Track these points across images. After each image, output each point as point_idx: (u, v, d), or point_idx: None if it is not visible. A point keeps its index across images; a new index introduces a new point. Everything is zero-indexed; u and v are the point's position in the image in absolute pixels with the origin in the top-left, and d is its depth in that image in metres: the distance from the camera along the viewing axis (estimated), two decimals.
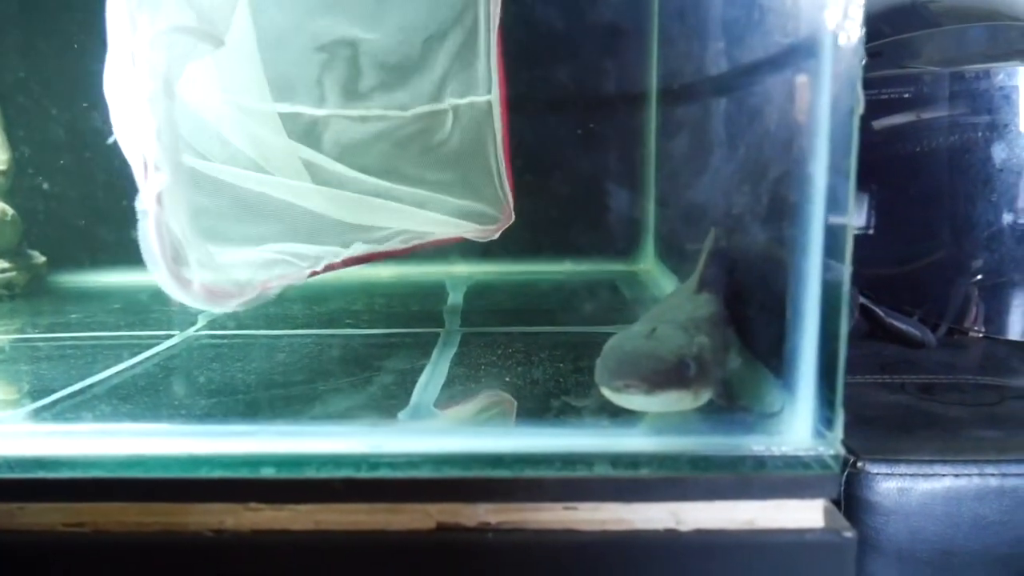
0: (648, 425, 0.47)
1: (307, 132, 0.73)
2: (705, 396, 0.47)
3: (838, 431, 0.44)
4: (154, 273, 0.49)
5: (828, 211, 0.42)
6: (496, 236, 0.82)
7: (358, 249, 0.68)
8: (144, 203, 0.47)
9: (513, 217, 0.83)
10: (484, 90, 0.81)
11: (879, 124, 0.84)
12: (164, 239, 0.48)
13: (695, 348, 0.47)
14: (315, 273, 0.64)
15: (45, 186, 0.95)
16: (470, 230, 0.79)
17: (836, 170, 0.41)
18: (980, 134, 0.80)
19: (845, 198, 0.42)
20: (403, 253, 0.73)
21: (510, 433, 0.48)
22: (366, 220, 0.72)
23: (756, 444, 0.44)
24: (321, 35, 0.74)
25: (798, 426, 0.45)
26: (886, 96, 0.82)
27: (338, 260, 0.66)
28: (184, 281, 0.50)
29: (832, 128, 0.41)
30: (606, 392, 0.46)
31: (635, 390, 0.45)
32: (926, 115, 0.82)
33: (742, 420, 0.47)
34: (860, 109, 0.40)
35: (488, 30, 0.79)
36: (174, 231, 0.49)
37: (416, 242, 0.74)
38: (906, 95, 0.82)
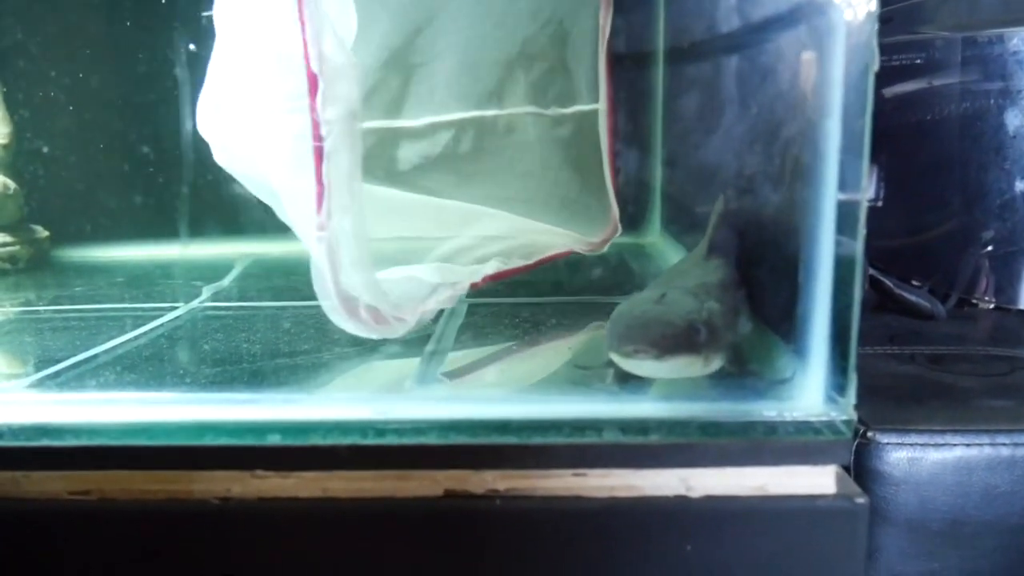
0: (658, 391, 0.47)
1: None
2: (716, 362, 0.47)
3: (851, 396, 0.43)
4: (323, 300, 0.49)
5: (841, 173, 0.42)
6: (604, 249, 0.81)
7: (493, 267, 0.67)
8: (318, 231, 0.47)
9: (620, 229, 0.82)
10: (588, 99, 0.79)
11: (890, 92, 0.83)
12: (336, 266, 0.47)
13: (705, 313, 0.46)
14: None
15: (46, 158, 0.95)
16: (580, 242, 0.78)
17: (850, 131, 0.41)
18: (993, 101, 0.79)
19: (859, 160, 0.41)
20: (528, 269, 0.72)
21: (518, 399, 0.48)
22: (491, 231, 0.72)
23: (767, 410, 0.44)
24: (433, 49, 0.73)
25: (810, 391, 0.44)
26: (897, 63, 0.81)
27: (479, 279, 0.65)
28: (353, 309, 0.50)
29: (846, 87, 0.40)
30: (615, 357, 0.45)
31: (645, 355, 0.44)
32: (938, 82, 0.81)
33: (753, 385, 0.47)
34: (875, 66, 0.39)
35: (598, 40, 0.77)
36: (342, 257, 0.48)
37: (537, 257, 0.73)
38: (917, 61, 0.81)
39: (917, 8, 0.83)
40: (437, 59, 0.78)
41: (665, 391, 0.47)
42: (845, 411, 0.44)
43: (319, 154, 0.46)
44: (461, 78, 0.79)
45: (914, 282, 0.84)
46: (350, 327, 0.50)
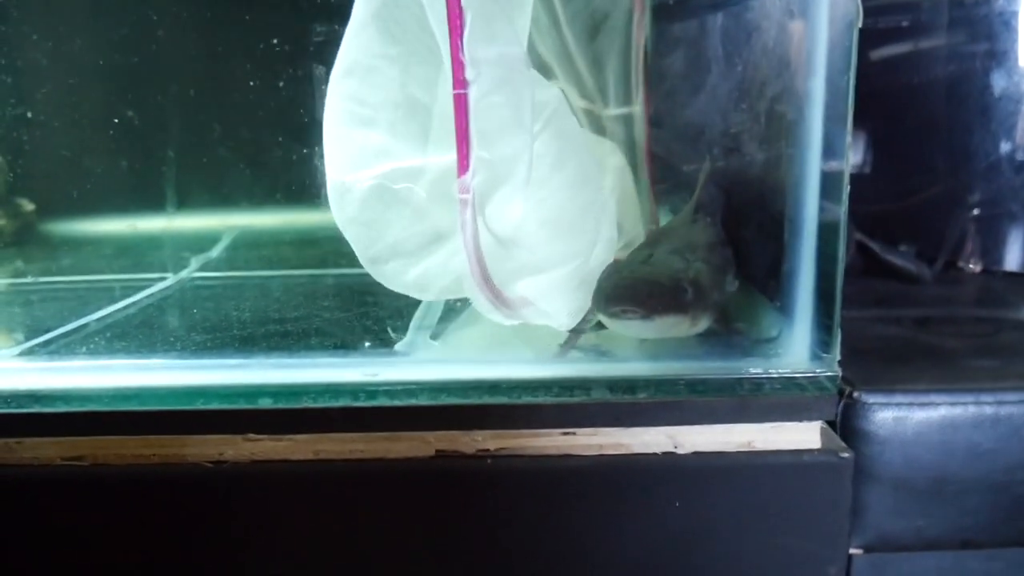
0: (645, 349, 0.47)
1: None
2: (703, 323, 0.47)
3: (835, 353, 0.44)
4: (471, 288, 0.46)
5: (826, 132, 0.42)
6: None
7: None
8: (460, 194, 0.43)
9: None
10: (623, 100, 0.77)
11: (876, 55, 0.83)
12: (483, 257, 0.45)
13: (692, 273, 0.47)
14: None
15: (30, 129, 0.94)
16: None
17: (834, 87, 0.41)
18: (978, 63, 0.79)
19: (844, 116, 0.41)
20: None
21: (507, 360, 0.48)
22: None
23: (753, 367, 0.44)
24: None
25: (795, 349, 0.45)
26: (883, 25, 0.81)
27: None
28: (501, 297, 0.47)
29: (830, 43, 0.40)
30: (603, 318, 0.46)
31: (632, 315, 0.44)
32: (924, 44, 0.81)
33: (739, 344, 0.47)
34: (859, 22, 0.39)
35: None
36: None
37: None
38: (904, 23, 0.81)
39: None
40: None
41: (652, 350, 0.47)
42: (830, 367, 0.44)
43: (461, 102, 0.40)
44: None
45: (901, 246, 0.85)
46: (498, 316, 0.48)
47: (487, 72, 0.40)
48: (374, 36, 0.45)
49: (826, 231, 0.42)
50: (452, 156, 0.42)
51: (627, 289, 0.45)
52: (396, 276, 0.48)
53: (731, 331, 0.49)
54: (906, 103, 0.83)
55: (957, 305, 0.76)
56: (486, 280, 0.45)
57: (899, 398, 0.56)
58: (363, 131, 0.46)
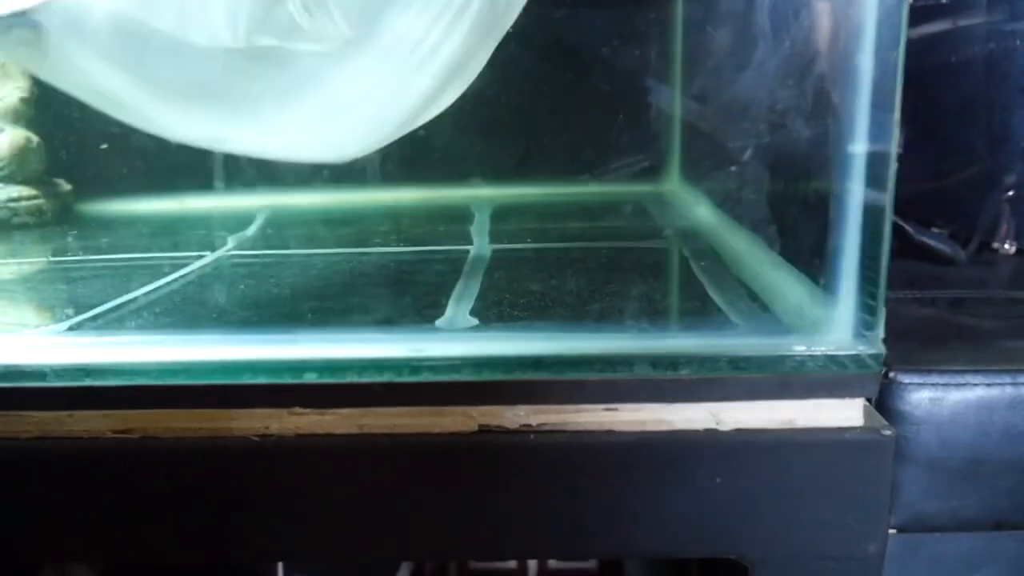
0: (688, 325, 0.47)
1: None
2: None
3: (879, 331, 0.44)
4: None
5: (873, 112, 0.42)
6: None
7: None
8: None
9: None
10: None
11: (914, 32, 0.82)
12: None
13: None
14: None
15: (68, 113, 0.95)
16: None
17: (883, 64, 0.40)
18: (1019, 41, 0.78)
19: (892, 95, 0.41)
20: None
21: (550, 335, 0.48)
22: None
23: (796, 344, 0.44)
24: None
25: (838, 326, 0.45)
26: (921, 3, 0.80)
27: None
28: None
29: (879, 17, 0.40)
30: None
31: None
32: (963, 22, 0.80)
33: (782, 320, 0.47)
34: None
35: None
36: None
37: None
38: (942, 1, 0.80)
39: None
40: None
41: (695, 325, 0.47)
42: (874, 345, 0.44)
43: None
44: None
45: (934, 227, 0.84)
46: None
47: None
48: None
49: (872, 212, 0.42)
50: None
51: None
52: None
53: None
54: (943, 82, 0.82)
55: (992, 286, 0.75)
56: None
57: (935, 378, 0.56)
58: None
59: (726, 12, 0.78)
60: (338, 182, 0.92)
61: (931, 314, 0.68)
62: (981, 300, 0.72)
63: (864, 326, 0.44)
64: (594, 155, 0.94)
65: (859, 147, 0.42)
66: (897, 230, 0.82)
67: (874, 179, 0.42)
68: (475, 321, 0.50)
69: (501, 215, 0.88)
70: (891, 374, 0.56)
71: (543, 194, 0.95)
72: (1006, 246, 0.84)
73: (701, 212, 0.80)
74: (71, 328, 0.52)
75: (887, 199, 0.41)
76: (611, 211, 0.84)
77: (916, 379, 0.56)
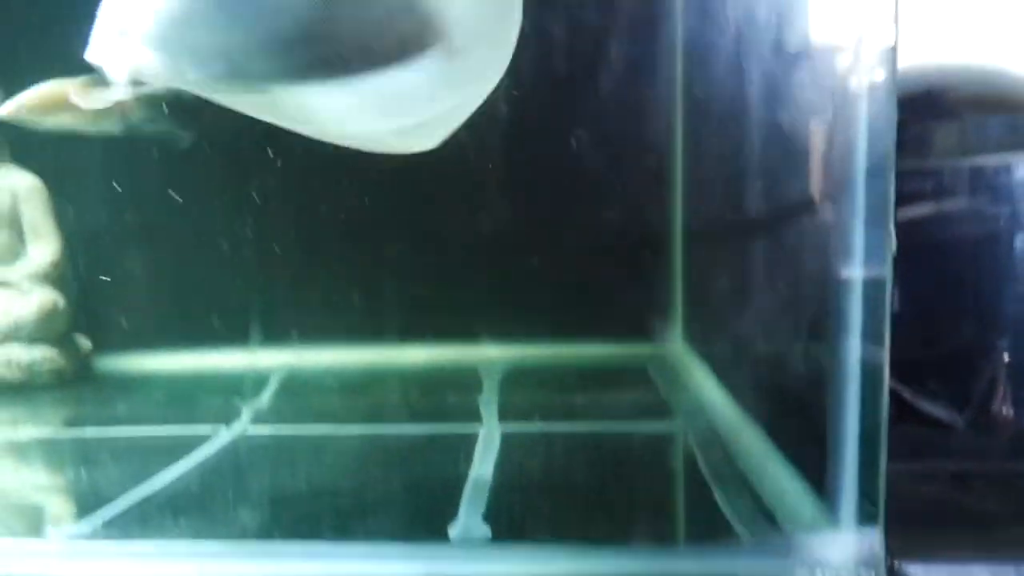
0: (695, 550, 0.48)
1: None
2: None
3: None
4: None
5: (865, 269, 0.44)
6: None
7: None
8: None
9: None
10: None
11: (900, 215, 0.86)
12: None
13: None
14: None
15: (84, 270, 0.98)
16: None
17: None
18: (1002, 224, 0.81)
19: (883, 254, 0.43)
20: None
21: (569, 554, 0.47)
22: None
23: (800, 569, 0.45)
24: None
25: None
26: (907, 190, 0.84)
27: None
28: None
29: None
30: None
31: None
32: (947, 207, 0.84)
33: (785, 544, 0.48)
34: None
35: None
36: None
37: None
38: (927, 187, 0.84)
39: (924, 133, 0.86)
40: None
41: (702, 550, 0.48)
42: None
43: None
44: None
45: (930, 392, 0.85)
46: None
47: None
48: None
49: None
50: None
51: None
52: None
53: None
54: (933, 259, 0.85)
55: (992, 457, 0.76)
56: None
57: (939, 569, 0.56)
58: None
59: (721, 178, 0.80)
60: (349, 338, 0.94)
61: (933, 491, 0.69)
62: (983, 474, 0.72)
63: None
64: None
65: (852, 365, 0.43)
66: (895, 395, 0.83)
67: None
68: (488, 530, 0.51)
69: (509, 384, 0.89)
70: (895, 563, 0.57)
71: (544, 356, 0.96)
72: (1004, 410, 0.85)
73: (703, 382, 0.82)
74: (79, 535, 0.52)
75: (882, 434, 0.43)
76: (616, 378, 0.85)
77: (920, 571, 0.56)
